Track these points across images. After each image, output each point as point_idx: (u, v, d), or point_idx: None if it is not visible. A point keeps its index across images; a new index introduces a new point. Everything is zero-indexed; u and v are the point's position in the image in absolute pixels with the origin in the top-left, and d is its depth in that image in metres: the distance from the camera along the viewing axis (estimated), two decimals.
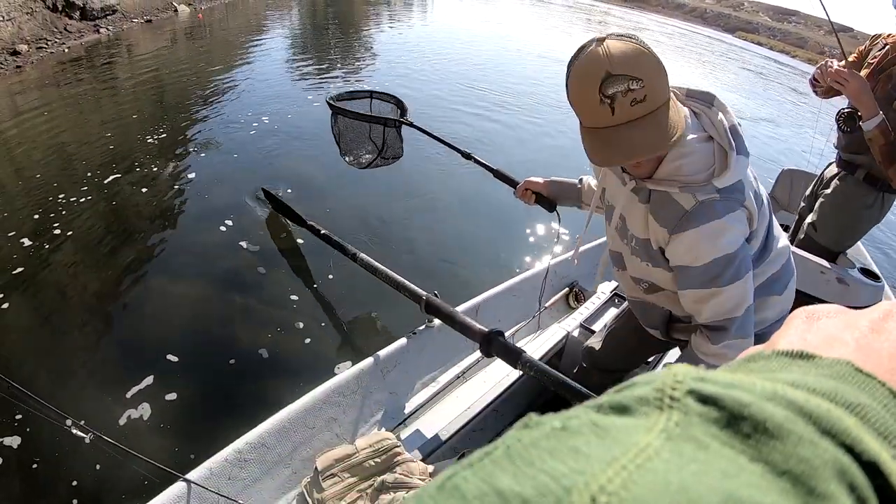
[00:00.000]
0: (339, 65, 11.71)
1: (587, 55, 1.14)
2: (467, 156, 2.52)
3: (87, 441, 2.50)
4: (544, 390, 2.39)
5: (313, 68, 11.46)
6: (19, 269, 4.15)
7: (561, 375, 1.78)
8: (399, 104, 3.04)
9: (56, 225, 4.76)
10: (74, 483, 2.56)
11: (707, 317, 1.36)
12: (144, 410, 2.99)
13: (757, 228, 1.36)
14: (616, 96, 1.10)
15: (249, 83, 9.92)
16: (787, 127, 12.59)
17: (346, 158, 3.04)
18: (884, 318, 0.30)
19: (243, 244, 4.48)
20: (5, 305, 3.76)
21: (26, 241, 4.50)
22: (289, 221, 2.70)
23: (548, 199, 1.98)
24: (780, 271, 1.53)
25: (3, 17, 12.05)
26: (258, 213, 4.93)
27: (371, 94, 3.13)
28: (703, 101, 1.34)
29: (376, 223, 4.96)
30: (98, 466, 2.59)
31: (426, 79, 10.70)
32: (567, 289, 2.94)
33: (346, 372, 2.13)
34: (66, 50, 12.26)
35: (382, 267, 2.42)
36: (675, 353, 2.32)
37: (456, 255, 4.67)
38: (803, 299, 2.56)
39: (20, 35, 12.39)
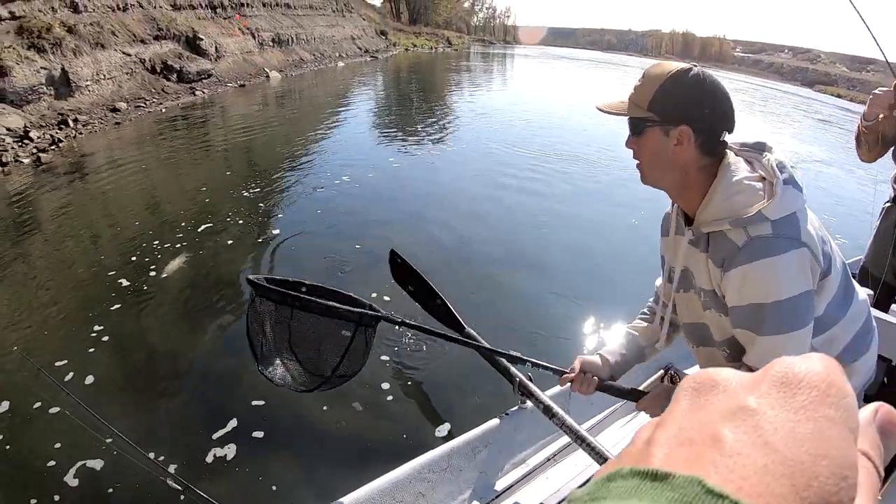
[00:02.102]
0: (420, 130, 12.15)
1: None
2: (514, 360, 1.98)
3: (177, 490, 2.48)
4: None
5: (395, 132, 11.96)
6: (117, 306, 4.42)
7: None
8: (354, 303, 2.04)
9: (153, 268, 5.06)
10: None
11: (750, 360, 1.31)
12: (228, 456, 2.99)
13: (827, 279, 1.29)
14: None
15: (334, 144, 10.45)
16: (840, 167, 12.17)
17: (268, 372, 2.04)
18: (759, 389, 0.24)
19: None
20: (105, 338, 3.97)
21: (124, 282, 4.80)
22: (405, 292, 2.57)
23: (616, 387, 1.78)
24: (858, 334, 1.40)
25: (105, 76, 13.22)
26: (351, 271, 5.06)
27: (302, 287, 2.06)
28: (755, 150, 1.34)
29: (463, 287, 4.83)
30: None
31: (499, 141, 10.92)
32: (662, 371, 2.80)
33: (437, 449, 2.06)
34: (163, 109, 13.26)
35: (486, 344, 2.33)
36: None
37: (550, 331, 4.44)
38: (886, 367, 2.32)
39: (120, 93, 13.55)
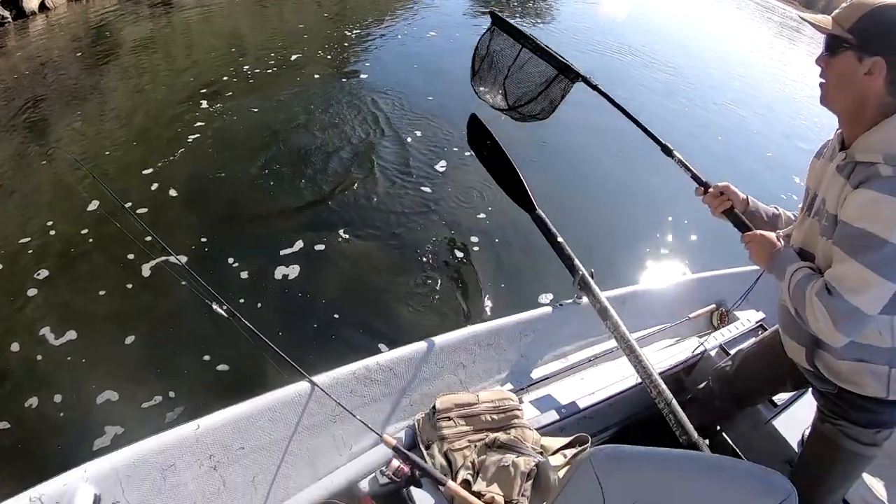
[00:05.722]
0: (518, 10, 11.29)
1: None
2: (667, 151, 2.04)
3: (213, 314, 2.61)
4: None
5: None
6: (199, 124, 4.66)
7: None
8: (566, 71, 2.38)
9: (232, 94, 5.20)
10: (207, 358, 2.81)
11: (830, 275, 1.31)
12: (272, 299, 3.18)
13: None
14: None
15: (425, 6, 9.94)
16: None
17: (480, 89, 2.56)
18: None
19: (412, 165, 4.49)
20: (177, 166, 4.19)
21: (204, 104, 5.01)
22: (477, 158, 2.58)
23: (741, 217, 1.76)
24: None
25: None
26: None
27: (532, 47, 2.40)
28: None
29: (547, 178, 4.67)
30: (217, 340, 2.83)
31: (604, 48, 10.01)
32: (714, 306, 2.74)
33: (485, 324, 2.09)
34: None
35: (555, 230, 2.30)
36: (804, 406, 2.13)
37: (621, 239, 4.32)
38: None
39: None
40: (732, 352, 2.26)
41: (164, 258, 3.17)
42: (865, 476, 1.96)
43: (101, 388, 2.66)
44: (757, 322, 2.64)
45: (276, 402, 1.63)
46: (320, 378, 1.70)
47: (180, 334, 2.94)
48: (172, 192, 3.84)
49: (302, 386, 1.67)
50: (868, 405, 1.46)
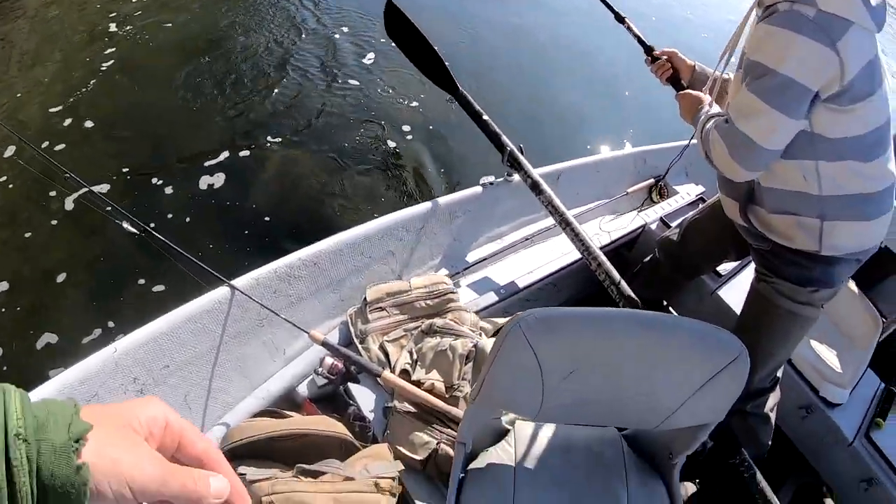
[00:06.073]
0: None
1: None
2: (619, 18, 2.06)
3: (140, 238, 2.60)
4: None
5: None
6: (110, 50, 4.35)
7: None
8: None
9: (138, 12, 4.85)
10: (141, 281, 2.75)
11: (729, 107, 1.37)
12: (199, 211, 3.10)
13: (860, 111, 1.25)
14: None
15: None
16: None
17: None
18: None
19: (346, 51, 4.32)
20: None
21: (113, 27, 4.64)
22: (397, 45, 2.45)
23: (680, 81, 1.77)
24: (876, 196, 1.36)
25: None
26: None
27: None
28: None
29: (475, 55, 4.56)
30: (148, 263, 2.77)
31: None
32: (653, 180, 2.70)
33: (413, 207, 1.98)
34: None
35: (479, 108, 2.18)
36: (748, 276, 2.12)
37: (552, 114, 4.21)
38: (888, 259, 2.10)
39: None
40: (674, 224, 2.24)
41: (84, 191, 3.03)
42: (813, 343, 2.00)
43: (39, 333, 2.58)
44: (697, 195, 2.64)
45: (195, 312, 1.53)
46: (239, 281, 1.59)
47: (111, 263, 2.85)
48: (89, 124, 3.59)
49: (221, 291, 1.57)
50: (800, 260, 1.45)
